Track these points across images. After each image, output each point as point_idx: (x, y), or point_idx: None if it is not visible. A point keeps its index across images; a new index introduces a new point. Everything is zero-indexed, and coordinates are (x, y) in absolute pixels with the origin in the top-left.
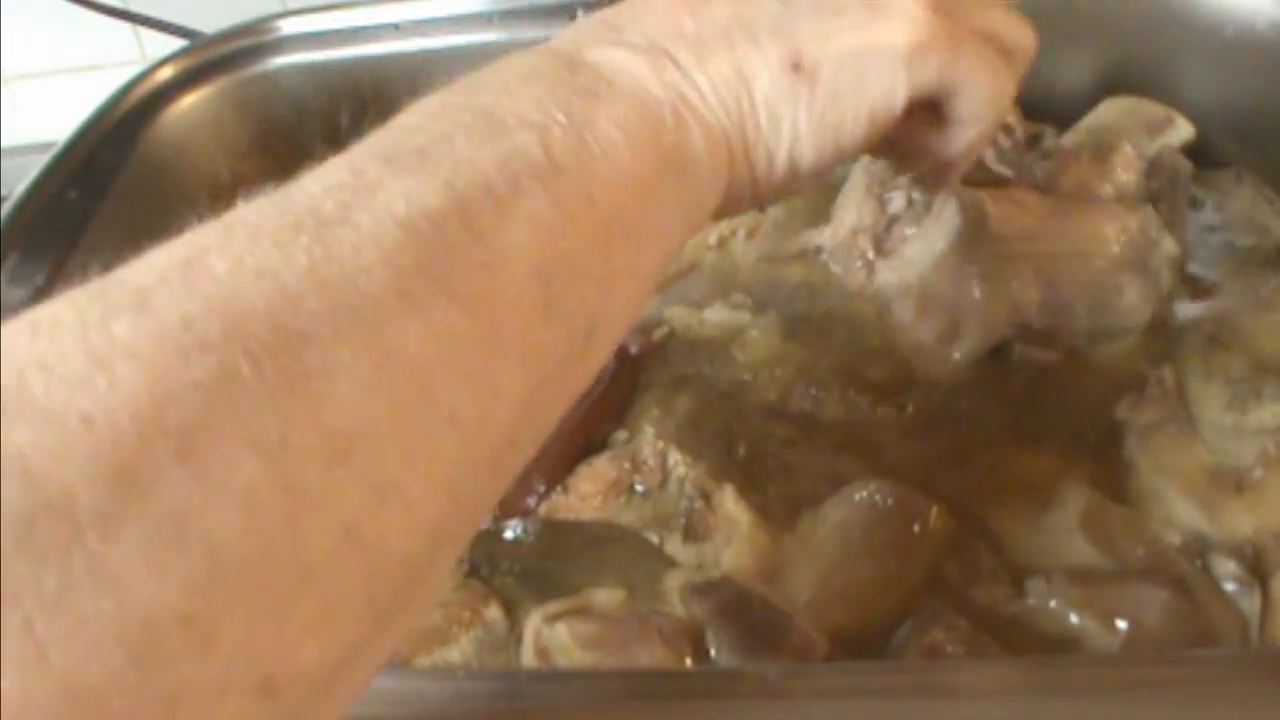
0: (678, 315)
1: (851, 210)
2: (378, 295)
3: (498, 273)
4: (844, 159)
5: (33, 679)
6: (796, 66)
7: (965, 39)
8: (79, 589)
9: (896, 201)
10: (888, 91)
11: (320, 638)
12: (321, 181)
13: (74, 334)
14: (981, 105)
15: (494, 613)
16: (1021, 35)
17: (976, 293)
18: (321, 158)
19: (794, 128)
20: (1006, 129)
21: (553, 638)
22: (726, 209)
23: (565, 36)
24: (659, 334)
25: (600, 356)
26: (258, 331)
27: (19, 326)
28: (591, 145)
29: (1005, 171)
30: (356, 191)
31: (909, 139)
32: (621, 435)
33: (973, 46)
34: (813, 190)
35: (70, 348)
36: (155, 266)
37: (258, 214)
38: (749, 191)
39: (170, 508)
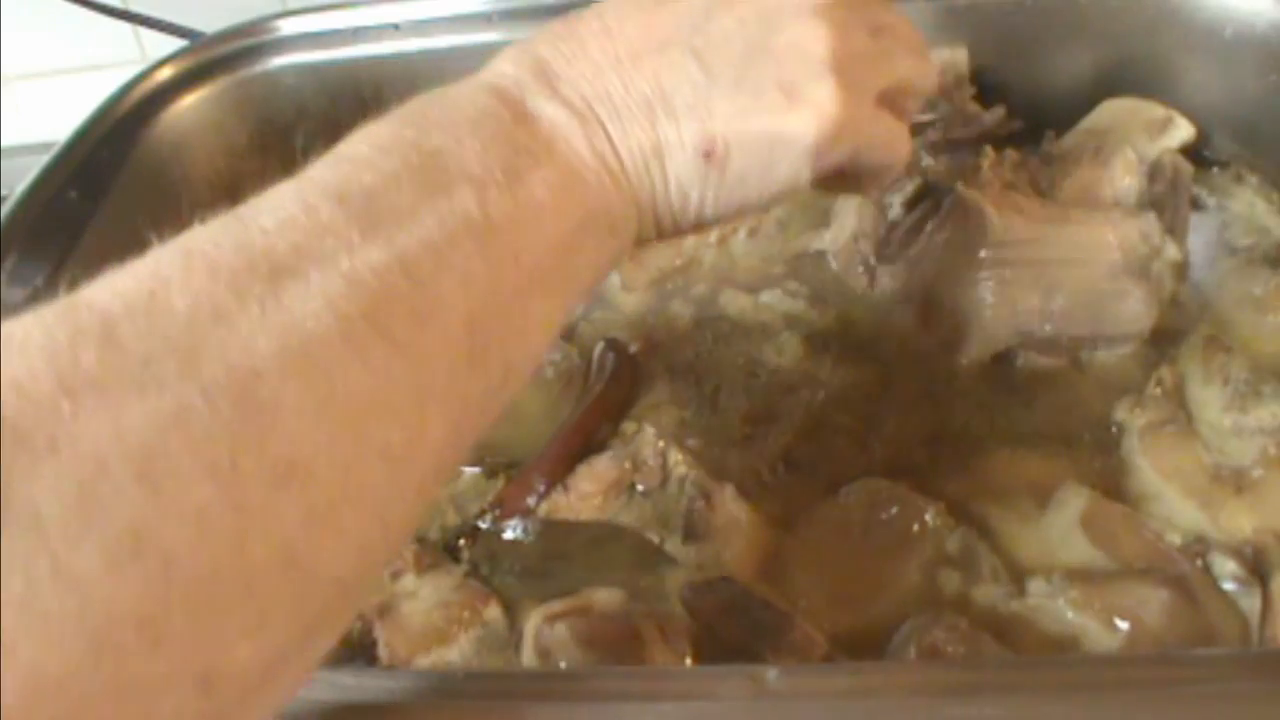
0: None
1: (851, 215)
2: (324, 338)
3: (431, 322)
4: (746, 218)
5: (1, 670)
6: (709, 154)
7: (869, 121)
8: (43, 590)
9: (896, 206)
10: (791, 177)
11: (254, 642)
12: (275, 216)
13: (44, 357)
14: (881, 168)
15: (494, 613)
16: (924, 80)
17: (978, 299)
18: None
19: (700, 201)
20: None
21: (553, 638)
22: (630, 253)
23: (509, 71)
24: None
25: (511, 393)
26: (212, 371)
27: None
28: (523, 207)
29: (1007, 176)
30: (308, 233)
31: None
32: (622, 434)
33: (877, 126)
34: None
35: (41, 370)
36: (120, 294)
37: (215, 245)
38: (652, 239)
39: (129, 523)
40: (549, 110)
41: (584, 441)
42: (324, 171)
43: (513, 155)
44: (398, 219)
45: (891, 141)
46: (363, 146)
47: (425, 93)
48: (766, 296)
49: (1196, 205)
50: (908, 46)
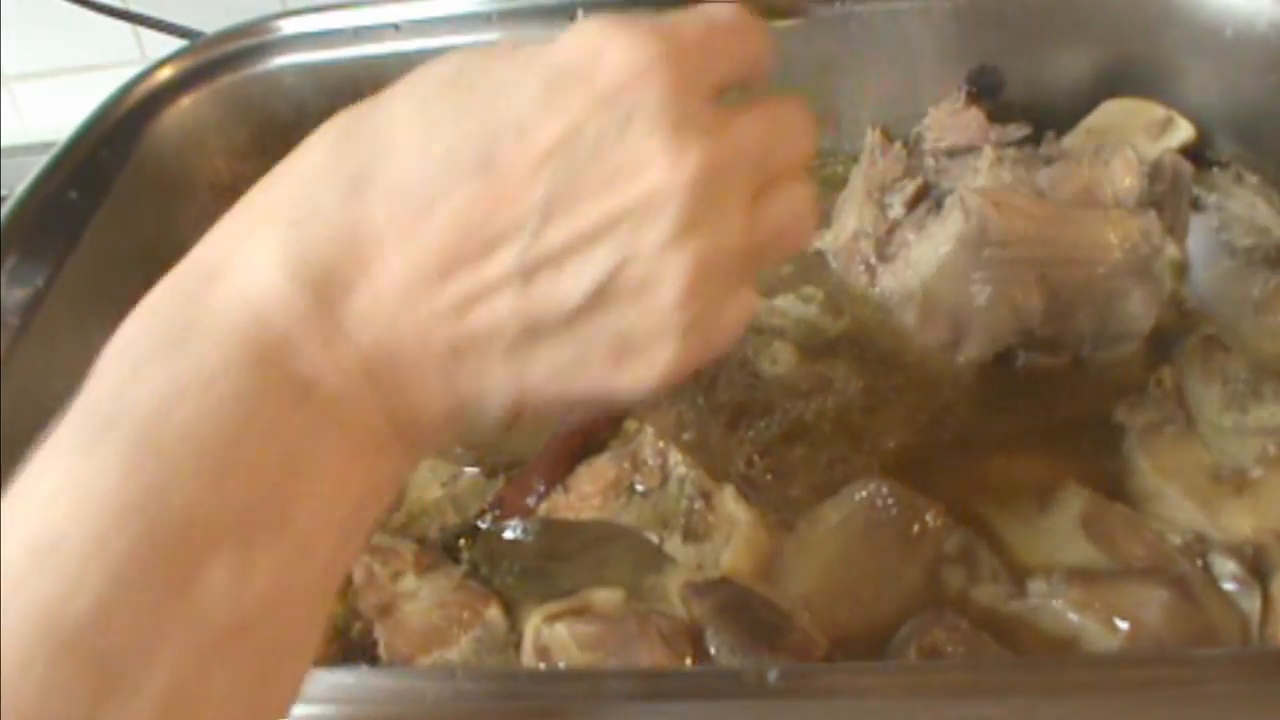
0: None
1: (852, 214)
2: None
3: None
4: None
5: None
6: (515, 416)
7: (716, 330)
8: None
9: (897, 206)
10: (602, 409)
11: None
12: None
13: None
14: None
15: (494, 613)
16: (801, 248)
17: (979, 299)
18: None
19: (483, 433)
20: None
21: (553, 638)
22: None
23: (281, 296)
24: None
25: None
26: None
27: None
28: (295, 550)
29: (1007, 177)
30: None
31: None
32: (622, 434)
33: (727, 320)
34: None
35: None
36: None
37: None
38: None
39: None
40: (332, 379)
41: (584, 441)
42: (38, 581)
43: (286, 476)
44: (135, 662)
45: (736, 331)
46: (87, 512)
47: (164, 321)
48: (780, 301)
49: (1196, 205)
50: (796, 212)
